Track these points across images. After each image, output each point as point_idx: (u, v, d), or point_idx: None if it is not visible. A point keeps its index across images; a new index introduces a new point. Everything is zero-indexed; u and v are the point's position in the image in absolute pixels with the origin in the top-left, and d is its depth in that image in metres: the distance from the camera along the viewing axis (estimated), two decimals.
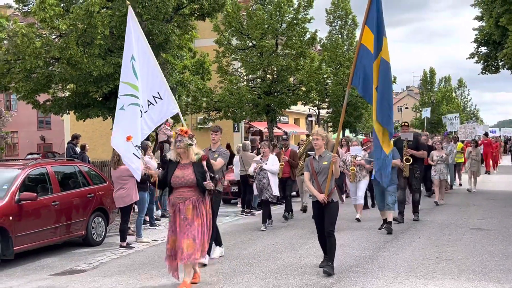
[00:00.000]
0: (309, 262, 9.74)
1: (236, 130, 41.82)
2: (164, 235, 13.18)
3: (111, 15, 18.00)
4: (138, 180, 10.85)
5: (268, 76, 31.81)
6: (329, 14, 47.04)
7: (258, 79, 32.58)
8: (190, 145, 8.31)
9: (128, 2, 11.44)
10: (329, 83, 41.03)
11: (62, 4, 18.55)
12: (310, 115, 47.71)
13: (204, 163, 8.39)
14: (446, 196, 19.32)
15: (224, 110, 30.83)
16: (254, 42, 31.07)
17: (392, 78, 44.46)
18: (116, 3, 18.12)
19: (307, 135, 17.31)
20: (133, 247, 11.71)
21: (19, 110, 50.61)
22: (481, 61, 26.74)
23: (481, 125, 62.91)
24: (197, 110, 31.39)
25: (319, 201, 8.91)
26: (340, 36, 46.07)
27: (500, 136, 51.21)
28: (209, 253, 9.74)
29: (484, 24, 25.75)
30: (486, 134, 35.33)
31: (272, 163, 13.83)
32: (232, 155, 17.62)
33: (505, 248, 10.66)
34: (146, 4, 18.23)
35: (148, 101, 10.34)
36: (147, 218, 14.44)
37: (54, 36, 19.17)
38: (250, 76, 32.88)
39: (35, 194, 10.51)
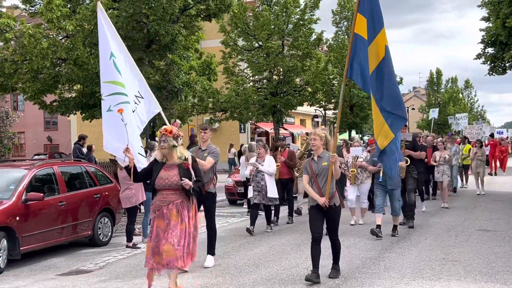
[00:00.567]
0: None
1: (242, 131, 41.85)
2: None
3: (117, 15, 18.03)
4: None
5: (274, 77, 31.81)
6: (335, 15, 46.96)
7: (264, 80, 32.60)
8: (174, 146, 7.72)
9: None
10: (335, 84, 40.96)
11: (69, 5, 18.61)
12: (316, 116, 47.68)
13: (190, 166, 7.82)
14: (452, 198, 19.26)
15: (230, 111, 30.86)
16: (260, 43, 31.09)
17: (398, 79, 44.13)
18: (122, 3, 18.15)
19: (307, 134, 16.84)
20: (139, 248, 11.71)
21: (26, 110, 50.72)
22: (488, 62, 26.65)
23: (488, 126, 62.69)
24: (204, 111, 31.42)
25: (319, 205, 8.43)
26: (346, 37, 45.90)
27: (507, 137, 50.98)
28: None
29: (491, 25, 25.66)
30: (491, 135, 35.07)
31: (269, 164, 13.42)
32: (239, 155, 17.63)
33: (511, 250, 10.63)
34: (153, 5, 18.25)
35: (134, 101, 9.88)
36: None
37: (61, 37, 19.22)
38: (256, 77, 32.90)
39: (41, 194, 10.54)
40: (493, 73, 26.93)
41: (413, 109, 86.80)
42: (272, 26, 30.54)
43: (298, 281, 8.47)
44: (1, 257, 9.74)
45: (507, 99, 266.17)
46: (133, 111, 9.70)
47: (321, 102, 38.26)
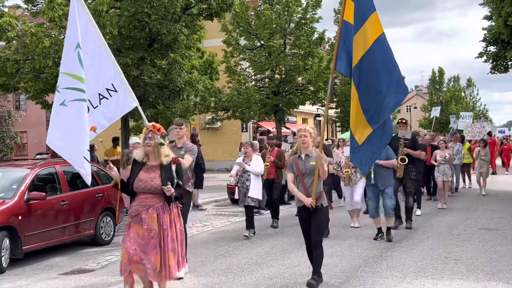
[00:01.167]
0: None
1: (244, 130, 41.86)
2: None
3: (119, 15, 18.05)
4: (89, 184, 9.38)
5: (276, 76, 31.82)
6: (337, 14, 46.83)
7: (266, 79, 32.61)
8: (162, 144, 7.20)
9: None
10: (337, 83, 40.96)
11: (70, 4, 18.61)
12: (318, 115, 47.65)
13: (174, 168, 7.26)
14: (454, 198, 19.19)
15: (232, 110, 30.87)
16: (262, 42, 31.10)
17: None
18: (124, 2, 18.16)
19: (294, 134, 16.23)
20: None
21: (28, 110, 50.73)
22: (490, 61, 26.61)
23: (491, 124, 62.54)
24: (206, 110, 31.43)
25: (306, 206, 7.98)
26: None
27: (510, 136, 50.84)
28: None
29: (493, 23, 25.63)
30: (489, 134, 34.71)
31: (256, 164, 12.74)
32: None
33: None
34: (154, 4, 18.26)
35: (99, 94, 9.04)
36: None
37: (63, 36, 19.22)
38: (258, 76, 32.91)
39: (44, 193, 10.55)
40: (495, 72, 26.89)
41: (415, 107, 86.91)
42: (274, 25, 30.54)
43: (300, 280, 8.46)
44: (4, 257, 9.75)
45: (509, 97, 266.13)
46: (95, 107, 8.98)
47: (323, 101, 38.22)
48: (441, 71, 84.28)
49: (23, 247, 10.09)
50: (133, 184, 7.16)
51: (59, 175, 11.56)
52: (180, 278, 8.30)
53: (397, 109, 64.10)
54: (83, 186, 12.20)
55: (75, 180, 12.14)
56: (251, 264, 9.76)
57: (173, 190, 7.03)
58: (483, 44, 26.93)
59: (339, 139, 21.83)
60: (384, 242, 11.42)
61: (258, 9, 31.80)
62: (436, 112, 44.25)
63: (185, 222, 8.91)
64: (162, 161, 7.18)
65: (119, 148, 19.90)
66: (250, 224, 12.79)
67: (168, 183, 7.00)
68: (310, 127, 8.28)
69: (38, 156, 43.53)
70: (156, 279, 7.04)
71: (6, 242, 9.80)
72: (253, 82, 32.66)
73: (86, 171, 8.62)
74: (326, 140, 18.42)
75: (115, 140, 20.38)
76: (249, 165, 12.70)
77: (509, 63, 25.76)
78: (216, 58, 25.92)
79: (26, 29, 17.65)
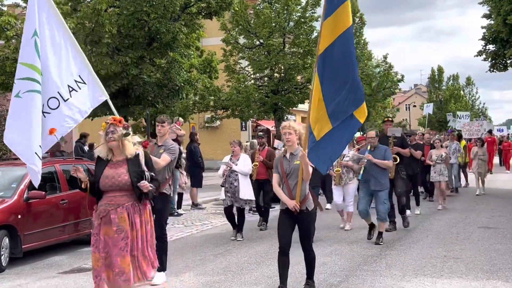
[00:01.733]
0: (316, 261, 9.69)
1: (244, 128, 41.83)
2: (172, 233, 13.23)
3: (118, 13, 18.07)
4: (36, 186, 8.53)
5: (275, 74, 31.79)
6: None
7: (266, 78, 32.56)
8: (126, 134, 6.63)
9: None
10: None
11: (69, 3, 18.63)
12: None
13: (143, 160, 6.70)
14: (453, 197, 19.17)
15: (231, 108, 30.84)
16: (261, 41, 31.06)
17: (400, 76, 43.16)
18: (123, 1, 18.18)
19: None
20: None
21: None
22: (489, 59, 26.62)
23: (491, 123, 62.48)
24: (205, 108, 31.40)
25: (289, 210, 7.41)
26: None
27: (508, 135, 50.80)
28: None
29: (492, 22, 25.64)
30: (490, 132, 34.42)
31: (244, 164, 12.19)
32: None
33: None
34: (154, 3, 18.28)
35: (69, 86, 8.29)
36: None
37: None
38: (258, 74, 32.87)
39: (43, 192, 10.53)
40: (494, 70, 26.89)
41: (414, 106, 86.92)
42: (273, 24, 30.51)
43: (300, 279, 8.47)
44: (3, 256, 9.75)
45: (508, 96, 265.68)
46: (66, 100, 8.22)
47: None
48: (440, 70, 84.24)
49: (23, 246, 10.09)
50: (99, 181, 6.65)
51: (59, 174, 11.56)
52: (154, 285, 8.11)
53: (396, 108, 64.19)
54: None
55: (74, 179, 12.11)
56: (251, 263, 9.77)
57: (149, 185, 6.52)
58: (482, 42, 26.93)
59: None
60: (383, 241, 11.38)
61: (257, 7, 31.76)
62: (429, 109, 43.68)
63: (164, 229, 8.57)
64: (127, 155, 6.63)
65: None
66: (237, 227, 12.35)
67: (144, 181, 6.52)
68: (296, 123, 7.62)
69: None
70: (124, 285, 6.51)
71: (6, 241, 9.80)
72: (252, 81, 32.62)
73: (37, 169, 7.77)
74: None
75: None
76: (237, 164, 12.17)
77: (508, 61, 25.75)
78: (215, 56, 25.95)
79: None
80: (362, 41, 43.55)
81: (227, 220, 12.64)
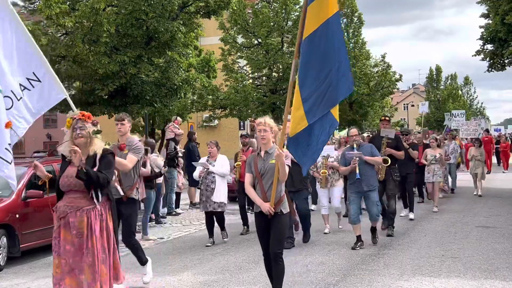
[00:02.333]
0: (314, 260, 9.73)
1: (242, 128, 41.85)
2: (170, 232, 13.24)
3: (116, 12, 18.08)
4: (15, 190, 8.64)
5: (273, 74, 31.80)
6: None
7: (264, 77, 32.58)
8: (98, 132, 6.19)
9: None
10: None
11: (68, 2, 18.63)
12: None
13: (105, 160, 6.21)
14: (451, 197, 19.16)
15: (229, 108, 30.84)
16: (259, 40, 31.07)
17: (398, 76, 43.00)
18: (121, 0, 18.17)
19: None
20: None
21: None
22: (487, 59, 26.62)
23: (489, 123, 62.54)
24: (203, 108, 31.40)
25: (263, 212, 6.85)
26: (345, 33, 45.99)
27: (505, 134, 50.82)
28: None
29: (490, 21, 25.65)
30: (487, 131, 34.10)
31: (221, 164, 11.58)
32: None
33: (511, 246, 10.63)
34: (152, 2, 18.27)
35: (20, 85, 7.76)
36: (153, 216, 14.45)
37: (60, 34, 19.24)
38: (256, 74, 32.88)
39: (41, 191, 10.54)
40: (492, 70, 26.88)
41: (412, 105, 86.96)
42: (272, 23, 30.52)
43: (298, 278, 8.48)
44: (1, 255, 9.76)
45: (506, 95, 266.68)
46: (19, 99, 7.74)
47: None
48: (438, 69, 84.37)
49: (21, 245, 10.10)
50: (59, 181, 6.21)
51: (57, 173, 11.52)
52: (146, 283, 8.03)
53: (395, 108, 64.25)
54: None
55: None
56: (249, 262, 9.77)
57: (80, 159, 5.93)
58: (480, 42, 26.93)
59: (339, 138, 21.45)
60: (380, 240, 11.33)
61: (255, 7, 31.77)
62: (424, 107, 43.59)
63: (130, 235, 8.09)
64: (89, 152, 6.15)
65: None
66: (220, 228, 11.83)
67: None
68: (271, 120, 7.07)
69: (36, 154, 43.52)
70: None
71: (4, 240, 9.81)
72: (251, 80, 32.62)
73: (5, 175, 7.13)
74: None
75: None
76: (214, 165, 11.56)
77: (506, 61, 25.75)
78: (214, 56, 25.95)
79: None
80: (360, 40, 43.63)
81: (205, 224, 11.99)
